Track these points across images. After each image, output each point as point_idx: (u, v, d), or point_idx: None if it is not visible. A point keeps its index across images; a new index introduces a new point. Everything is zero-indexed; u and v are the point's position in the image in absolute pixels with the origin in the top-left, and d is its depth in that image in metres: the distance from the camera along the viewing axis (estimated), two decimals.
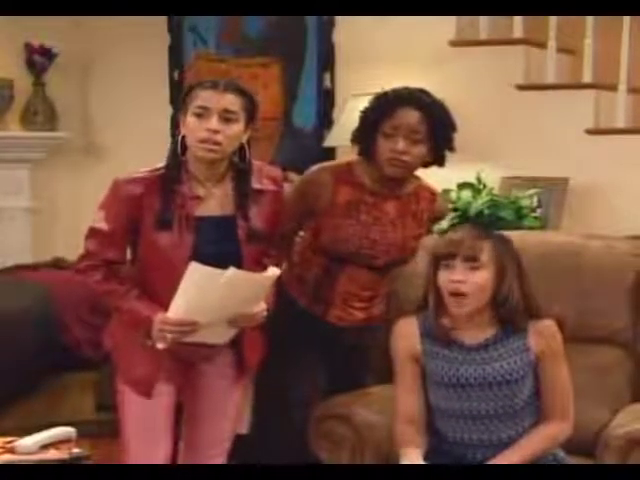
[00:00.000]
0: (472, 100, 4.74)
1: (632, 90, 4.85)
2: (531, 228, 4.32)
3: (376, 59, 4.96)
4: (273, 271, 3.04)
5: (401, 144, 3.26)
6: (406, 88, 3.34)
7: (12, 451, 3.00)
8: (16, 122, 5.54)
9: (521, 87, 4.83)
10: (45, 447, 3.04)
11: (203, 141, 3.00)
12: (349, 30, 5.13)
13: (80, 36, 5.66)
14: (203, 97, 3.01)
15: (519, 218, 4.35)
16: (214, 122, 2.99)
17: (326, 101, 5.26)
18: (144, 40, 5.56)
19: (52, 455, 3.00)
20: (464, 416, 3.04)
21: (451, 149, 3.37)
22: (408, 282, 3.53)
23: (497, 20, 5.02)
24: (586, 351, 3.53)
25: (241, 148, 3.10)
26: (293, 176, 4.25)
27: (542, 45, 4.91)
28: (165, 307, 2.99)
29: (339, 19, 5.17)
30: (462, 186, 4.50)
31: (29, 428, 3.19)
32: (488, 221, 4.17)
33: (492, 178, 4.63)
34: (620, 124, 4.71)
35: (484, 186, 4.51)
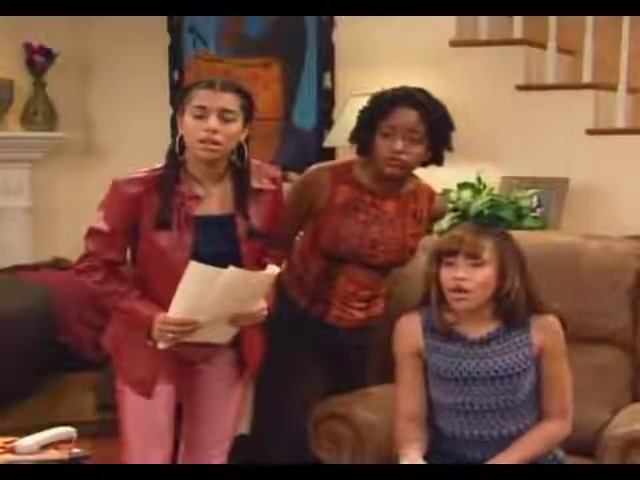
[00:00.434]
0: (472, 100, 4.74)
1: (632, 90, 4.86)
2: (531, 228, 4.32)
3: (376, 59, 4.96)
4: (272, 269, 3.04)
5: (399, 143, 3.26)
6: (404, 87, 3.34)
7: (12, 451, 3.01)
8: (16, 122, 5.53)
9: (521, 87, 4.83)
10: (45, 447, 3.04)
11: (202, 141, 3.00)
12: (349, 30, 5.13)
13: (80, 36, 5.66)
14: (200, 97, 3.01)
15: (519, 218, 4.35)
16: (213, 122, 2.99)
17: (326, 101, 5.26)
18: (144, 40, 5.56)
19: (52, 455, 3.00)
20: (465, 411, 3.04)
21: (449, 148, 3.37)
22: (409, 282, 3.54)
23: (497, 20, 5.02)
24: (586, 351, 3.53)
25: (240, 147, 3.09)
26: (293, 176, 4.25)
27: (542, 45, 4.91)
28: (165, 307, 2.99)
29: (339, 19, 5.17)
30: (462, 186, 4.51)
31: (29, 428, 3.19)
32: (488, 221, 4.18)
33: (492, 178, 4.63)
34: (620, 124, 4.71)
35: (484, 186, 4.51)
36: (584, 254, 3.65)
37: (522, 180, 4.69)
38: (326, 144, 5.07)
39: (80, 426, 3.18)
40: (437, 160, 3.38)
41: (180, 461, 3.30)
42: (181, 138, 3.07)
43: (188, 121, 3.02)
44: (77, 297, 4.64)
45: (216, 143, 3.01)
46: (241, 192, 3.11)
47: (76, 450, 3.04)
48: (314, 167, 3.47)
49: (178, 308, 2.98)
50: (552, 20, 4.84)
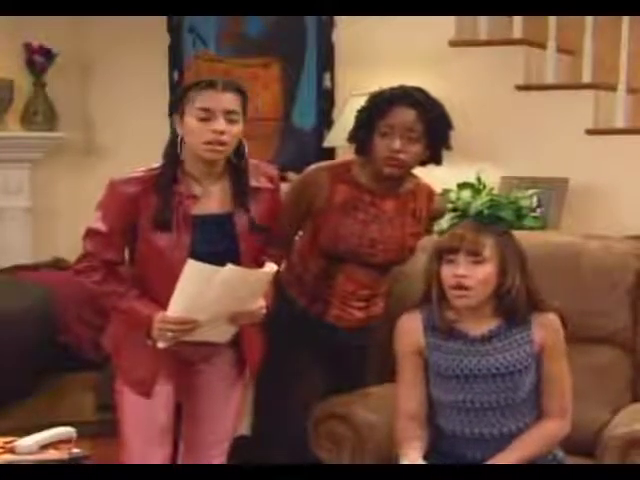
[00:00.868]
0: (472, 100, 4.74)
1: (631, 90, 4.85)
2: (531, 228, 4.32)
3: (376, 59, 4.96)
4: (270, 267, 3.04)
5: (397, 142, 3.27)
6: (402, 87, 3.34)
7: (12, 451, 3.01)
8: (16, 122, 5.53)
9: (521, 87, 4.83)
10: (45, 447, 3.04)
11: (209, 143, 3.00)
12: (349, 30, 5.13)
13: (80, 36, 5.66)
14: (204, 99, 3.00)
15: (519, 218, 4.35)
16: (221, 124, 2.99)
17: (326, 101, 5.26)
18: (144, 40, 5.56)
19: (52, 455, 3.00)
20: (466, 409, 3.05)
21: (448, 147, 3.37)
22: (409, 281, 3.54)
23: (497, 20, 5.02)
24: (586, 351, 3.53)
25: (240, 146, 3.10)
26: (292, 176, 4.25)
27: (542, 45, 4.91)
28: (165, 306, 2.99)
29: (339, 19, 5.17)
30: (462, 186, 4.50)
31: (29, 428, 3.19)
32: (488, 221, 4.16)
33: (492, 178, 4.63)
34: (619, 124, 4.71)
35: (484, 186, 4.51)
36: (584, 254, 3.65)
37: (522, 180, 4.68)
38: (326, 144, 5.07)
39: (80, 426, 3.18)
40: (435, 159, 3.38)
41: (180, 461, 3.30)
42: (181, 139, 3.06)
43: (191, 123, 3.01)
44: (77, 297, 4.63)
45: (223, 144, 3.01)
46: (240, 190, 3.11)
47: (76, 450, 3.04)
48: (313, 167, 3.47)
49: (177, 307, 2.98)
50: (552, 20, 4.84)
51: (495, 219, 3.69)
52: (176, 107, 3.08)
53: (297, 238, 3.52)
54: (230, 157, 3.10)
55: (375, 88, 3.51)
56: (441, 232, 3.62)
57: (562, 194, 4.65)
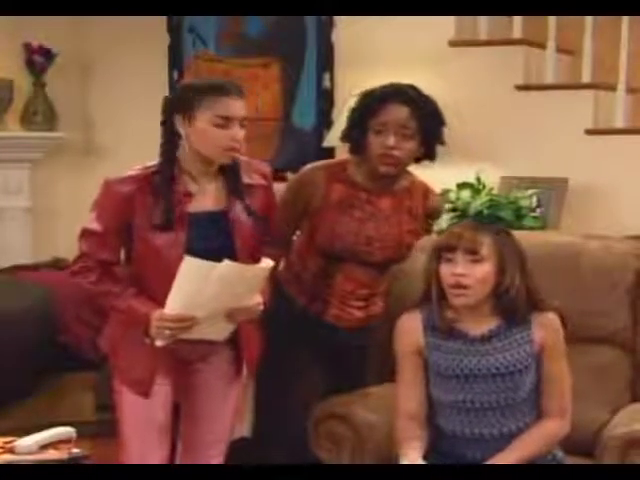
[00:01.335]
0: (472, 100, 4.75)
1: (631, 90, 4.86)
2: (531, 228, 4.32)
3: (376, 59, 4.96)
4: (267, 262, 3.04)
5: (392, 139, 3.27)
6: (393, 84, 3.36)
7: (12, 451, 3.01)
8: (16, 122, 5.53)
9: (520, 87, 4.83)
10: (44, 447, 3.04)
11: (227, 149, 3.02)
12: (348, 30, 5.13)
13: (80, 36, 5.66)
14: (223, 107, 3.00)
15: (518, 218, 4.35)
16: (239, 132, 3.02)
17: (325, 101, 5.27)
18: (144, 40, 5.56)
19: (51, 455, 3.00)
20: (466, 409, 3.04)
21: (441, 143, 3.38)
22: (409, 281, 3.54)
23: (496, 20, 5.02)
24: (586, 351, 3.53)
25: None
26: (292, 176, 4.24)
27: (542, 45, 4.91)
28: (162, 305, 2.99)
29: (339, 19, 5.17)
30: (461, 186, 4.50)
31: (28, 428, 3.19)
32: (487, 221, 4.16)
33: (492, 178, 4.63)
34: (619, 124, 4.71)
35: (483, 186, 4.51)
36: (584, 254, 3.65)
37: (521, 180, 4.69)
38: (325, 144, 5.08)
39: (79, 426, 3.19)
40: (429, 155, 3.39)
41: (178, 461, 3.29)
42: (177, 134, 3.06)
43: (206, 128, 3.00)
44: (77, 297, 4.63)
45: (237, 150, 3.05)
46: (234, 187, 3.12)
47: (75, 450, 3.04)
48: (308, 166, 3.49)
49: (174, 304, 2.98)
50: (551, 20, 4.85)
51: (495, 219, 3.70)
52: (181, 108, 3.04)
53: (295, 238, 3.52)
54: None
55: None
56: (440, 232, 3.62)
57: (562, 194, 4.65)
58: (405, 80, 3.43)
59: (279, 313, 3.34)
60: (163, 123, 3.09)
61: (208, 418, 3.23)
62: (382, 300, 3.54)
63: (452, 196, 4.43)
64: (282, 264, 3.48)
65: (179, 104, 3.06)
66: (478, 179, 4.53)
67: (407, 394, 3.12)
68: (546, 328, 3.07)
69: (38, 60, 5.46)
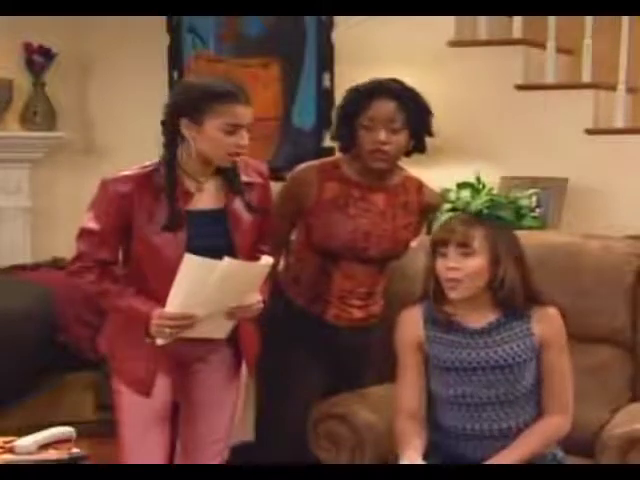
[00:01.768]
0: (471, 100, 4.74)
1: (631, 90, 4.85)
2: (531, 228, 4.31)
3: (376, 59, 4.94)
4: (267, 260, 3.05)
5: (382, 134, 3.30)
6: (377, 80, 3.38)
7: (11, 451, 3.01)
8: (16, 122, 5.53)
9: (520, 87, 4.83)
10: (44, 447, 3.04)
11: (232, 154, 3.04)
12: (349, 30, 5.13)
13: (80, 36, 5.66)
14: (233, 114, 3.00)
15: (518, 218, 4.33)
16: (245, 137, 3.02)
17: (325, 101, 5.26)
18: (144, 40, 5.56)
19: (51, 455, 3.01)
20: (466, 404, 3.05)
21: (430, 134, 3.41)
22: (409, 281, 3.54)
23: (496, 20, 5.02)
24: (585, 351, 3.53)
25: None
26: None
27: (541, 45, 4.90)
28: (162, 304, 2.99)
29: (339, 19, 5.17)
30: (461, 186, 4.49)
31: (29, 428, 3.19)
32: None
33: (491, 178, 4.62)
34: (619, 124, 4.71)
35: (483, 186, 4.49)
36: (584, 254, 3.65)
37: (521, 180, 4.68)
38: (325, 144, 5.07)
39: (79, 426, 3.19)
40: (419, 147, 3.42)
41: (177, 461, 3.29)
42: (179, 135, 3.05)
43: (215, 134, 3.00)
44: (76, 297, 4.64)
45: (242, 154, 3.07)
46: (232, 184, 3.12)
47: (75, 450, 3.04)
48: (302, 166, 3.50)
49: (175, 302, 2.98)
50: (551, 20, 4.84)
51: (495, 219, 3.69)
52: (189, 112, 3.02)
53: (293, 238, 3.53)
54: None
55: None
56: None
57: (562, 194, 4.65)
58: (405, 80, 3.44)
59: (279, 314, 3.34)
60: (163, 123, 3.09)
61: (207, 418, 3.23)
62: (381, 299, 3.55)
63: (452, 196, 4.42)
64: (281, 267, 3.48)
65: (187, 108, 3.03)
66: (478, 179, 4.51)
67: (407, 392, 3.12)
68: (546, 322, 3.08)
69: (38, 60, 5.46)
